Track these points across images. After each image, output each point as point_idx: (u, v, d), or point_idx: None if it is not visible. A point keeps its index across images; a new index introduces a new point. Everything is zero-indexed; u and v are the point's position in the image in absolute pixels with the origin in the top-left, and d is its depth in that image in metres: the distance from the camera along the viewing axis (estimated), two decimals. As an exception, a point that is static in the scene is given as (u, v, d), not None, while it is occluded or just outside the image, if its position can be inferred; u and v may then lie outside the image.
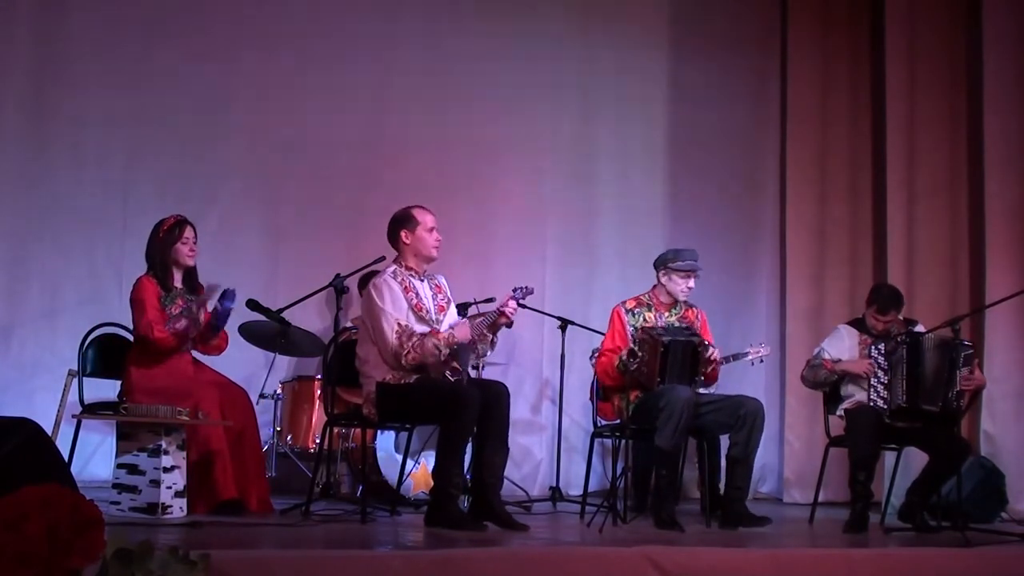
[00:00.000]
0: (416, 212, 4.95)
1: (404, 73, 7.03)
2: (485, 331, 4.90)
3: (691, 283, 5.37)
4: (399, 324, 4.74)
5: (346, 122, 6.87)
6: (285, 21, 6.82)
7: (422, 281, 4.96)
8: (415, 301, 4.86)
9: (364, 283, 6.34)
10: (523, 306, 5.31)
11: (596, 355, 5.76)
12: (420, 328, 4.81)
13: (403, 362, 4.70)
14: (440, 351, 4.71)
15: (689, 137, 7.63)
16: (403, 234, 4.93)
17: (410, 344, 4.70)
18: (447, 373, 4.83)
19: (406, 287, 4.87)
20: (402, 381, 4.75)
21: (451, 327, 4.86)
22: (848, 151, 7.54)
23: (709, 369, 5.25)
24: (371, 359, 4.83)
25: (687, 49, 7.67)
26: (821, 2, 7.67)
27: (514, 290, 4.98)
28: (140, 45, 6.48)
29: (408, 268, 4.94)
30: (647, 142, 7.57)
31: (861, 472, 5.25)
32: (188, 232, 5.08)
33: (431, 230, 4.93)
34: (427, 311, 4.89)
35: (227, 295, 5.01)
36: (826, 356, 5.56)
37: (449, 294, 5.10)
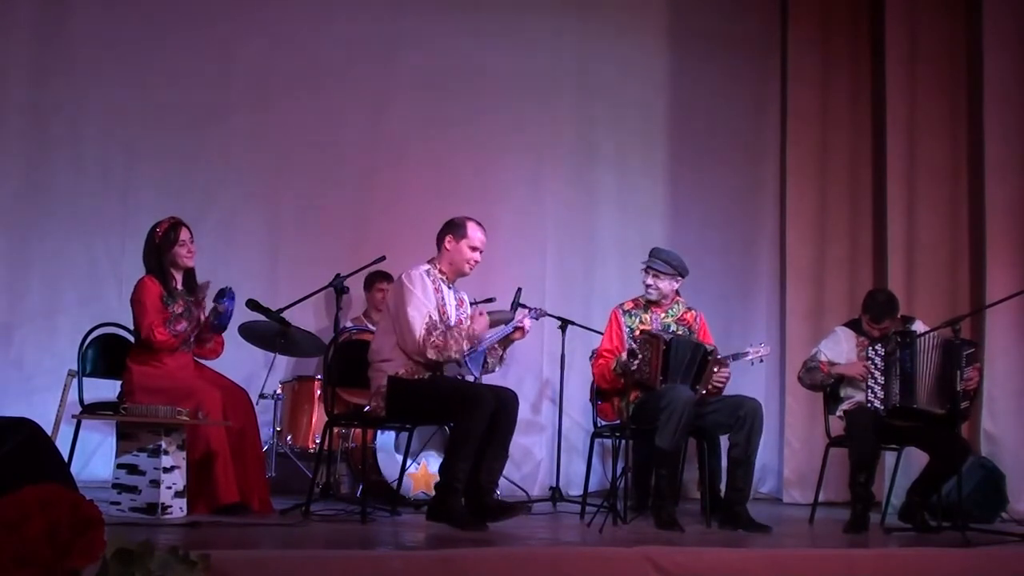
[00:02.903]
0: (470, 225, 4.98)
1: (404, 73, 7.03)
2: (496, 345, 4.95)
3: (648, 279, 5.40)
4: (430, 316, 4.78)
5: (346, 122, 6.87)
6: (285, 22, 6.82)
7: (450, 289, 5.00)
8: (440, 304, 4.89)
9: (367, 283, 6.38)
10: (523, 306, 5.33)
11: (594, 356, 5.76)
12: (441, 326, 4.83)
13: (427, 353, 4.71)
14: (463, 343, 4.74)
15: (689, 137, 7.63)
16: (448, 239, 4.96)
17: (435, 335, 4.73)
18: (458, 373, 4.86)
19: (436, 288, 4.91)
20: (415, 377, 4.77)
21: (470, 324, 4.88)
22: (848, 151, 7.54)
23: (711, 387, 5.25)
24: (386, 351, 4.83)
25: (687, 49, 7.67)
26: (821, 2, 7.67)
27: (529, 309, 5.02)
28: (140, 46, 6.48)
29: (441, 272, 4.97)
30: (647, 142, 7.57)
31: (861, 474, 5.25)
32: (184, 234, 5.07)
33: (474, 249, 4.96)
34: (448, 317, 4.92)
35: (226, 293, 5.00)
36: (823, 358, 5.56)
37: (468, 311, 5.12)
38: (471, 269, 5.02)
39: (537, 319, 5.07)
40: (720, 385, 5.29)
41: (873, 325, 5.50)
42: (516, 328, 4.96)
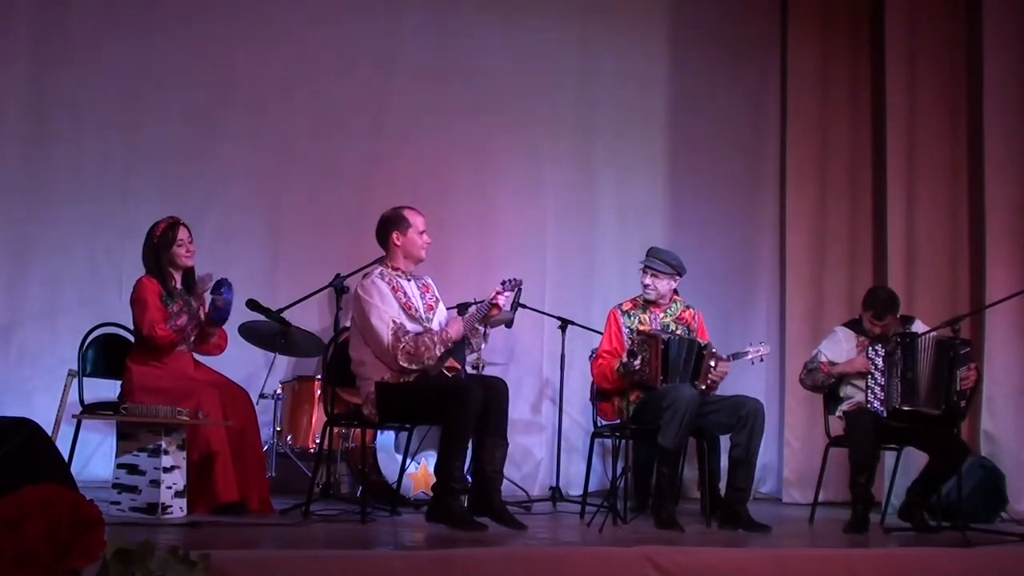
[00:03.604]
0: (407, 213, 4.95)
1: (404, 73, 7.02)
2: (477, 324, 4.91)
3: (646, 279, 5.40)
4: (394, 321, 4.75)
5: (346, 122, 6.86)
6: (285, 21, 6.82)
7: (409, 281, 4.97)
8: (404, 300, 4.87)
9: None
10: (523, 305, 5.32)
11: (594, 356, 5.77)
12: (412, 327, 4.82)
13: (398, 359, 4.70)
14: (435, 348, 4.71)
15: (689, 137, 7.62)
16: (394, 235, 4.93)
17: (405, 340, 4.71)
18: (444, 370, 4.83)
19: (394, 287, 4.88)
20: (400, 380, 4.76)
21: (443, 325, 4.87)
22: (848, 151, 7.54)
23: (710, 382, 5.26)
24: (366, 360, 4.83)
25: (687, 49, 7.66)
26: (821, 2, 7.67)
27: (502, 283, 4.98)
28: (140, 45, 6.47)
29: (395, 269, 4.94)
30: (647, 142, 7.57)
31: (862, 475, 5.25)
32: (183, 233, 5.07)
33: (422, 232, 4.95)
34: (416, 310, 4.90)
35: (224, 284, 4.99)
36: (823, 359, 5.56)
37: (437, 293, 5.10)
38: (426, 253, 4.99)
39: (512, 291, 5.02)
40: (716, 380, 5.29)
41: (875, 322, 5.49)
42: (492, 305, 4.90)
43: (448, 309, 5.28)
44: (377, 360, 4.79)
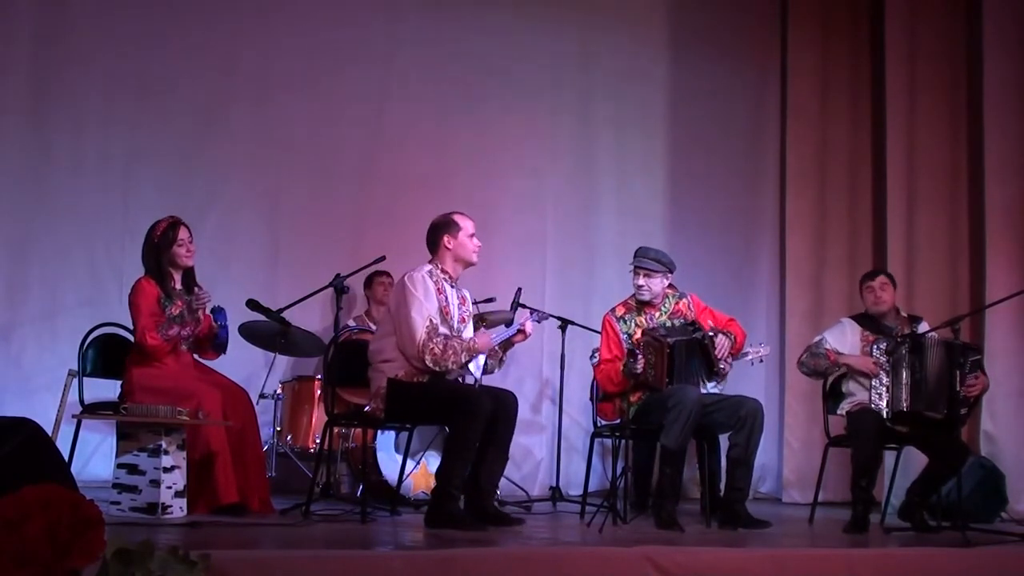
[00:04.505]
0: (457, 218, 4.97)
1: (404, 73, 7.03)
2: (497, 348, 4.95)
3: (639, 280, 5.31)
4: (431, 320, 4.76)
5: (346, 122, 6.87)
6: (285, 21, 6.82)
7: (452, 288, 4.98)
8: (444, 304, 4.88)
9: (368, 283, 6.38)
10: (523, 305, 5.33)
11: (595, 356, 5.76)
12: (444, 331, 4.82)
13: (424, 359, 4.69)
14: (461, 355, 4.73)
15: (689, 137, 7.63)
16: (446, 239, 4.93)
17: (435, 342, 4.71)
18: (458, 377, 4.85)
19: (439, 288, 4.89)
20: (414, 380, 4.76)
21: (472, 337, 4.90)
22: (848, 151, 7.54)
23: (726, 356, 5.24)
24: (387, 352, 4.82)
25: (687, 49, 7.67)
26: (821, 2, 7.68)
27: (532, 312, 4.99)
28: (140, 45, 6.47)
29: (443, 271, 4.95)
30: (647, 142, 7.58)
31: (864, 478, 5.24)
32: (183, 233, 5.06)
33: (472, 235, 4.96)
34: (452, 317, 4.91)
35: (217, 312, 5.06)
36: (828, 346, 5.54)
37: (471, 309, 5.12)
38: (478, 256, 5.01)
39: (539, 322, 5.07)
40: (723, 354, 5.25)
41: (870, 283, 5.56)
42: (518, 331, 4.97)
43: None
44: (398, 354, 4.79)
